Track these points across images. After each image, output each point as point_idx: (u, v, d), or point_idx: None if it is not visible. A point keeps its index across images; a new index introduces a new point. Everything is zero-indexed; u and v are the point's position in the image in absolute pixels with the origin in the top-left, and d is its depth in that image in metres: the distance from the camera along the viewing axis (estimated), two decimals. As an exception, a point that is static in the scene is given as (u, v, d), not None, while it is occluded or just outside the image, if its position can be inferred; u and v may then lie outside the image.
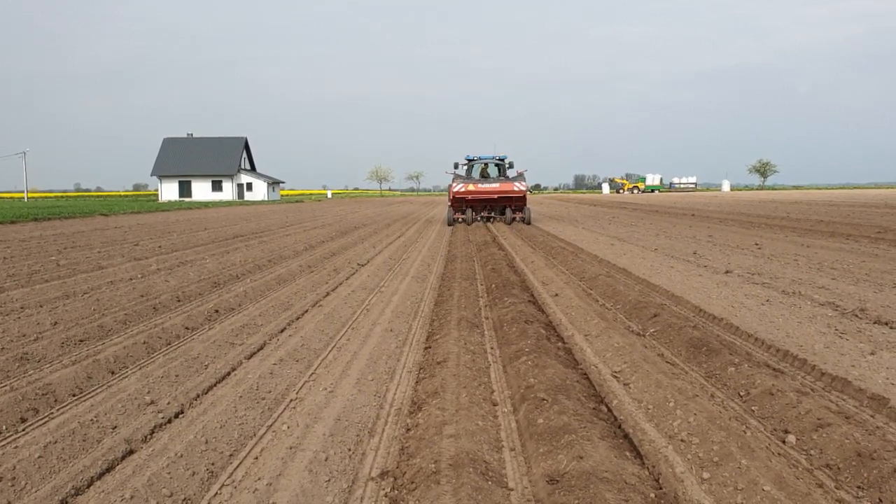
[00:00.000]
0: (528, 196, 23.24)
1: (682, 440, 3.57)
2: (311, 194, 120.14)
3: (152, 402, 4.41)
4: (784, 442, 3.57)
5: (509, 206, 22.49)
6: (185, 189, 75.22)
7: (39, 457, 3.49)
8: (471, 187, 22.14)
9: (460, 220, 22.67)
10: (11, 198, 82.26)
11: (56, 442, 3.66)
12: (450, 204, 22.54)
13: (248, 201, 69.39)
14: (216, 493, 3.23)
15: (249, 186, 76.79)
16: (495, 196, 22.20)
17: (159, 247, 14.74)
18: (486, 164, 24.05)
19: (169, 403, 4.40)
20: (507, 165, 23.70)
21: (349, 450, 3.69)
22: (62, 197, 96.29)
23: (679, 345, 5.48)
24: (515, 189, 21.91)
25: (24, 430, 3.95)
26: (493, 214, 23.13)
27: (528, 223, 21.67)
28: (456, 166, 23.54)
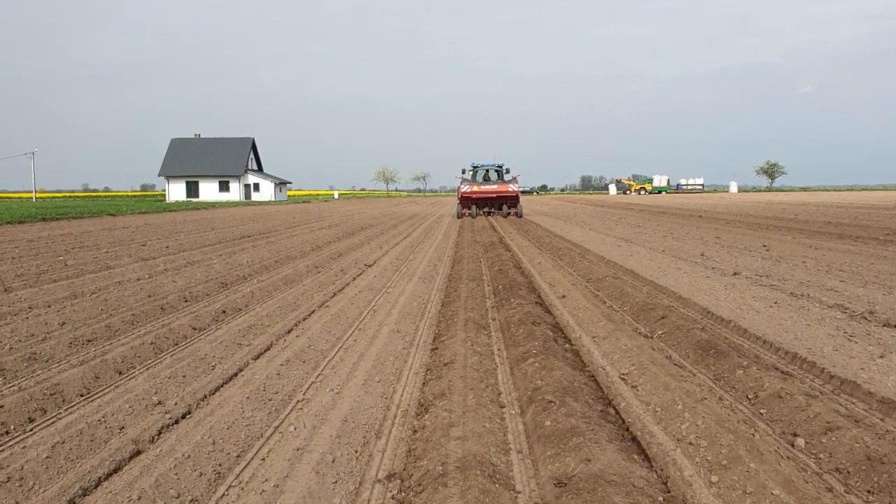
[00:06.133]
0: (524, 196, 31.73)
1: (690, 443, 3.56)
2: (318, 195, 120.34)
3: (160, 403, 4.42)
4: (793, 445, 3.55)
5: (505, 203, 28.93)
6: (192, 189, 75.44)
7: (47, 457, 3.50)
8: (475, 188, 28.22)
9: (466, 213, 28.64)
10: (20, 198, 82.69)
11: (64, 442, 3.68)
12: (458, 201, 28.93)
13: (255, 202, 69.55)
14: (223, 494, 3.23)
15: (256, 187, 76.96)
16: (494, 195, 28.43)
17: (167, 247, 14.79)
18: (487, 170, 30.34)
19: (176, 404, 4.41)
20: (504, 171, 29.98)
21: (356, 451, 3.69)
22: (70, 197, 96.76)
23: (687, 347, 5.46)
24: (510, 190, 28.33)
25: (31, 430, 3.97)
26: (492, 210, 29.44)
27: (520, 216, 27.75)
28: (463, 171, 29.77)
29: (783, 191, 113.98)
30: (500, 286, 8.77)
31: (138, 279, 9.63)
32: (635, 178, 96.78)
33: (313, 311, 7.53)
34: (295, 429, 4.01)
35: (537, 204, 48.84)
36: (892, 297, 7.36)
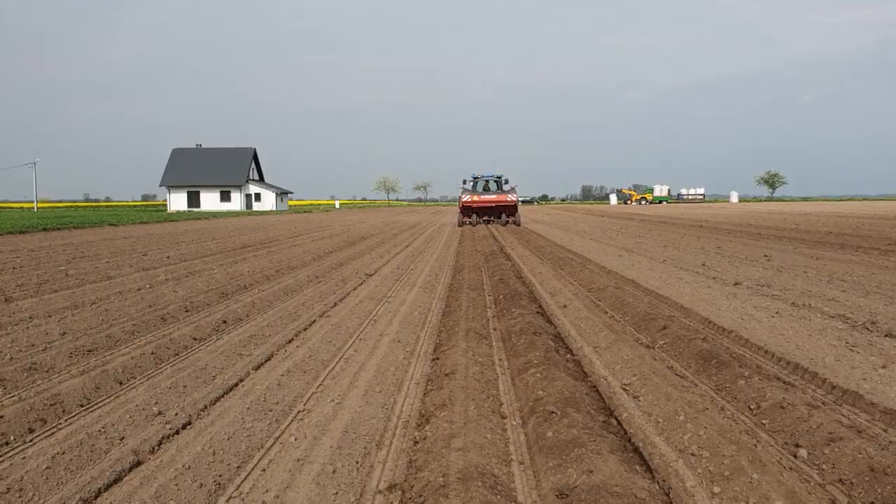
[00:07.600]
0: (524, 206, 34.48)
1: (692, 454, 3.54)
2: (319, 205, 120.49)
3: (160, 413, 4.41)
4: (795, 456, 3.53)
5: (504, 212, 30.18)
6: (193, 199, 75.59)
7: (47, 468, 3.49)
8: (475, 198, 29.85)
9: (467, 222, 29.92)
10: (21, 208, 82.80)
11: (64, 453, 3.66)
12: (460, 210, 30.40)
13: (256, 211, 69.64)
14: (223, 505, 3.22)
15: (258, 197, 77.10)
16: (493, 205, 29.98)
17: (168, 257, 14.80)
18: (487, 181, 31.83)
19: (177, 414, 4.40)
20: (503, 181, 31.45)
21: (357, 462, 3.67)
22: (71, 207, 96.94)
23: (689, 357, 5.45)
24: (509, 199, 29.88)
25: (32, 440, 3.96)
26: (492, 218, 30.68)
27: (519, 224, 29.00)
28: (464, 182, 31.49)
29: (784, 201, 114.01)
30: (501, 296, 8.76)
31: (139, 289, 9.63)
32: (636, 187, 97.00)
33: (314, 321, 7.53)
34: (296, 439, 4.00)
35: (538, 214, 48.87)
36: (893, 307, 7.35)
